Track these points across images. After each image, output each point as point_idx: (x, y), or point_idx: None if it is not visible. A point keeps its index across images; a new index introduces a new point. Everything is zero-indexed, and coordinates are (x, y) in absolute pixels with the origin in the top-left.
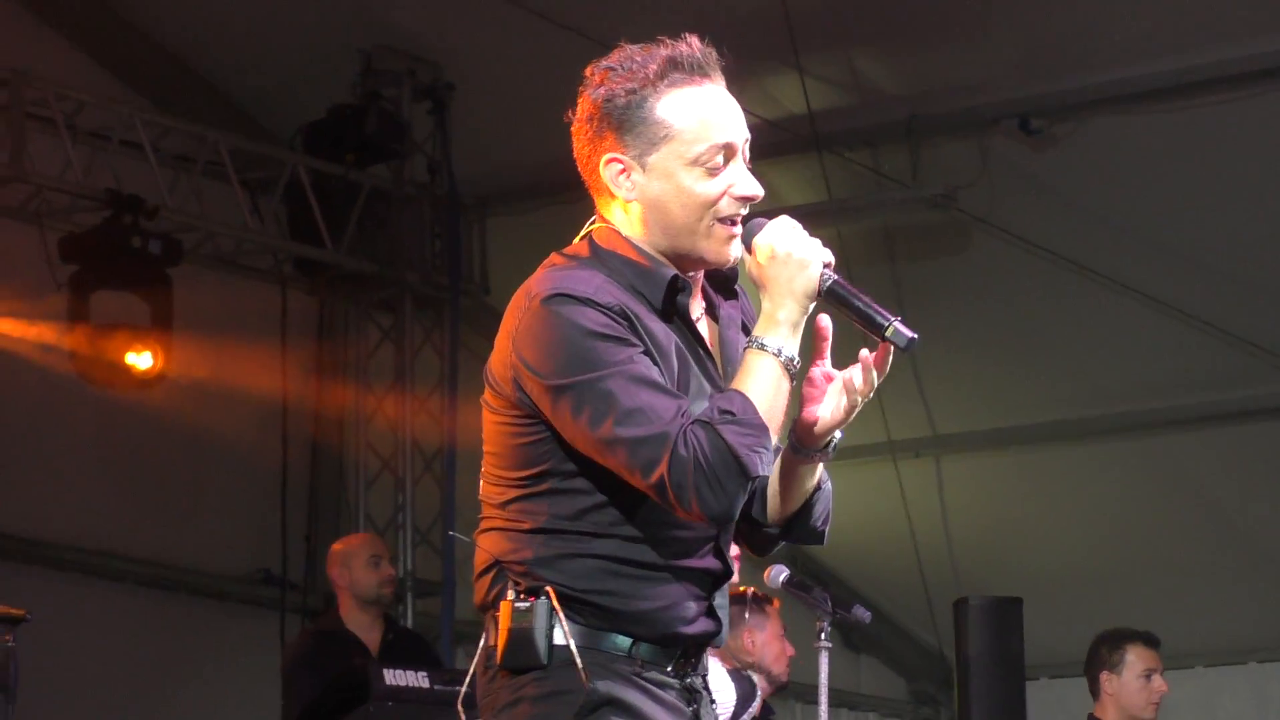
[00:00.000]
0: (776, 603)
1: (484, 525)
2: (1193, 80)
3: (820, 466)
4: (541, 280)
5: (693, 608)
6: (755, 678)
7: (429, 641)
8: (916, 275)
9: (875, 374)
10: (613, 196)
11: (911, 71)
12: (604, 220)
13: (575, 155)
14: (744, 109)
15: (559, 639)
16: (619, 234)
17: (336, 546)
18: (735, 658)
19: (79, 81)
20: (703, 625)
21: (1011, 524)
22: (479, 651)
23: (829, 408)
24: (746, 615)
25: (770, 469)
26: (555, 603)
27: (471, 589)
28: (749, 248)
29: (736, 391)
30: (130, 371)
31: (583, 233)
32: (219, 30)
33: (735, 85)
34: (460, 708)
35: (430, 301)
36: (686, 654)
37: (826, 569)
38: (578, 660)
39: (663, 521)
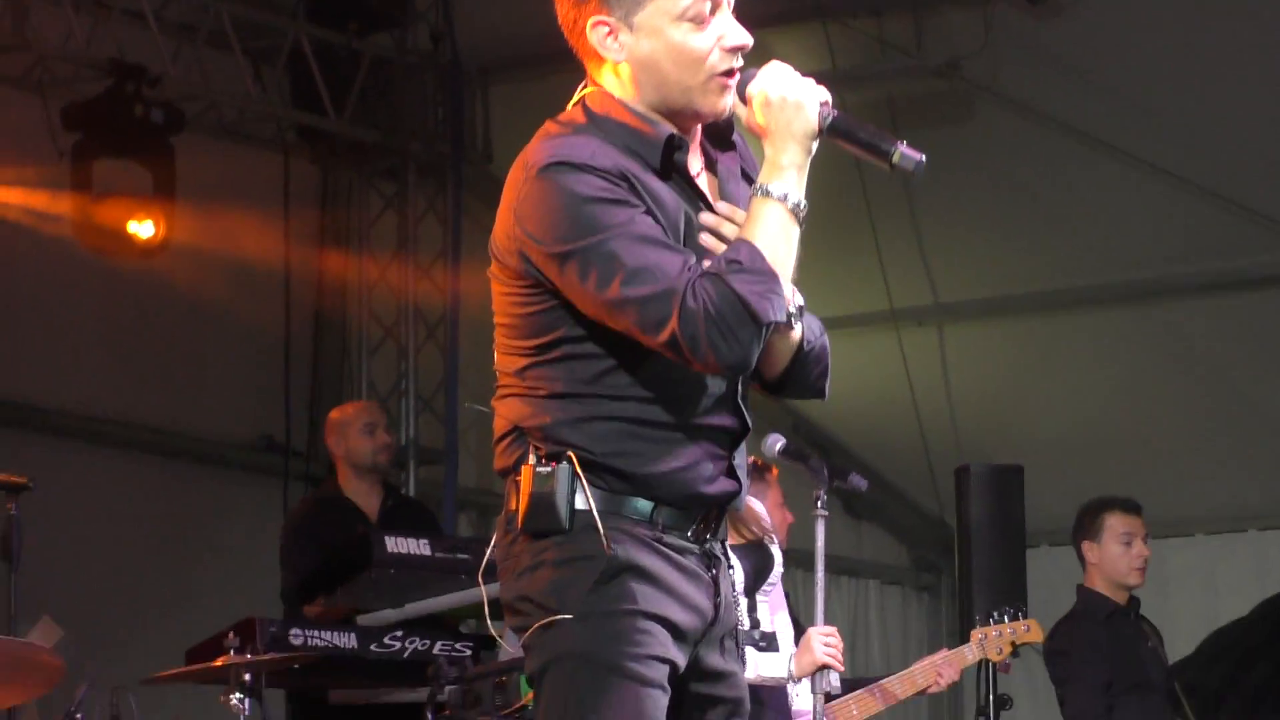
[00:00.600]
0: (775, 470)
1: (501, 393)
2: None
3: (806, 324)
4: (537, 150)
5: (712, 467)
6: (773, 548)
7: (429, 508)
8: (920, 144)
9: None
10: (601, 60)
11: None
12: (595, 84)
13: (560, 22)
14: None
15: (580, 503)
16: (611, 97)
17: (333, 415)
18: (746, 528)
19: None
20: (723, 484)
21: (1014, 392)
22: (500, 516)
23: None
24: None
25: (783, 315)
26: (577, 467)
27: (474, 457)
28: (744, 98)
29: (743, 240)
30: (132, 240)
31: (575, 98)
32: None
33: None
34: (480, 577)
35: (433, 170)
36: (707, 518)
37: (829, 436)
38: (599, 525)
39: (679, 379)
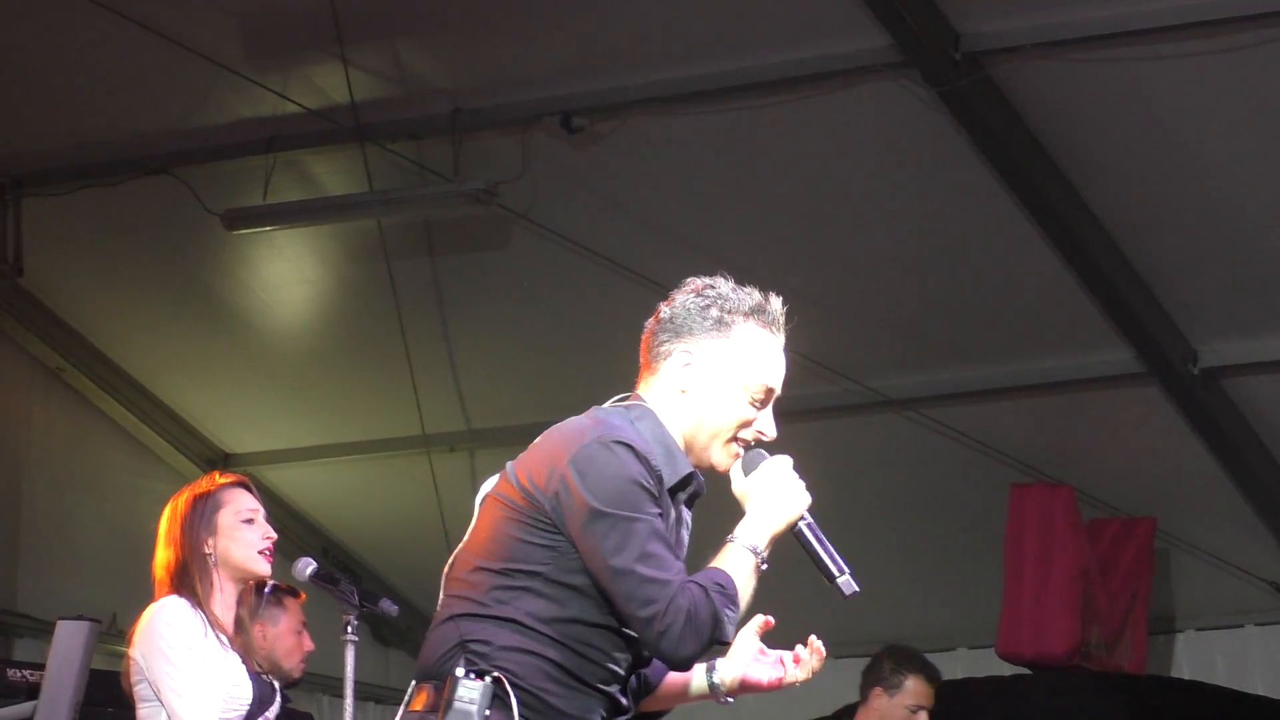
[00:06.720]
0: (303, 596)
1: (458, 606)
2: (731, 84)
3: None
4: (600, 425)
5: None
6: (275, 682)
7: None
8: (456, 269)
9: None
10: (657, 380)
11: (457, 65)
12: (639, 399)
13: (647, 341)
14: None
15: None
16: (656, 416)
17: None
18: (251, 655)
19: None
20: None
21: None
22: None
23: (765, 674)
24: (261, 608)
25: (733, 639)
26: (499, 689)
27: None
28: (747, 468)
29: (724, 571)
30: None
31: (623, 400)
32: None
33: (280, 75)
34: None
35: None
36: None
37: (359, 561)
38: None
39: (607, 648)
